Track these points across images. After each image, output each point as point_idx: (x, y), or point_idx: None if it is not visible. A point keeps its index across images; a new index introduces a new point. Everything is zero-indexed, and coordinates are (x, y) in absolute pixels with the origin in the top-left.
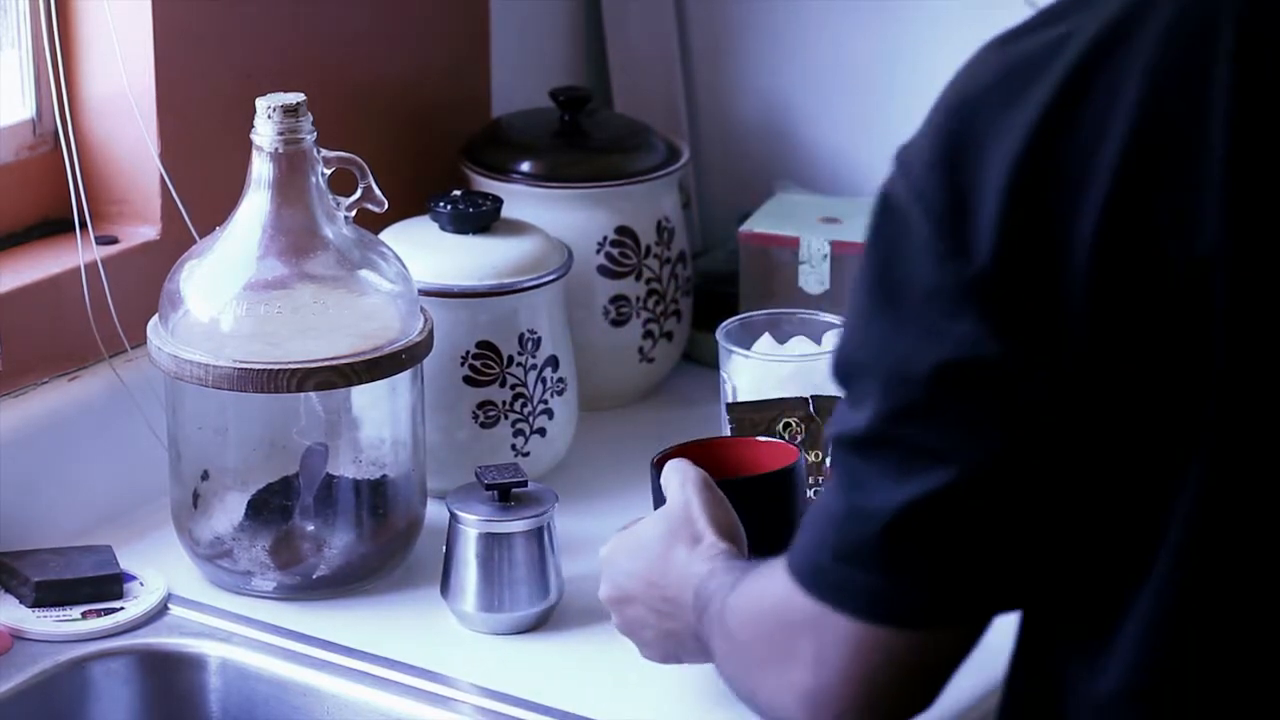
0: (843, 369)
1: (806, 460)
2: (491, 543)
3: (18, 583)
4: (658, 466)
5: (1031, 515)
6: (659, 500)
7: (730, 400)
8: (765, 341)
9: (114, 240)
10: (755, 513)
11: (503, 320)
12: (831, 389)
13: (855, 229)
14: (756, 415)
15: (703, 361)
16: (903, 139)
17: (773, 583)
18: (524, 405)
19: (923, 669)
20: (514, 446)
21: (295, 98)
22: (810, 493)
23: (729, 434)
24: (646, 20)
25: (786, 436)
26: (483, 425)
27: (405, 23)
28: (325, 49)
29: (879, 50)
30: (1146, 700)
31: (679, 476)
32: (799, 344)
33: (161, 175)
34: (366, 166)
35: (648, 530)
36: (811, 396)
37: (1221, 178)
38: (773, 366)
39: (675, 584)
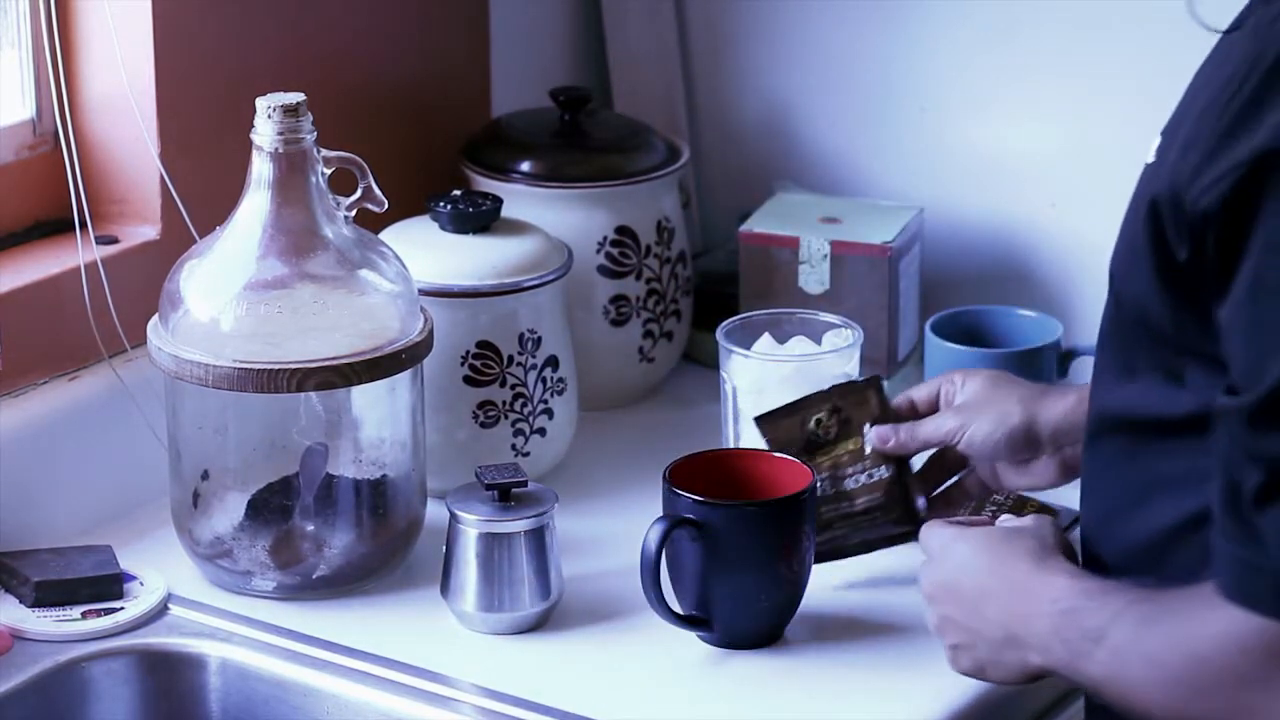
0: None
1: (847, 451)
2: (491, 543)
3: (18, 583)
4: (669, 479)
5: None
6: (668, 507)
7: (731, 402)
8: (765, 341)
9: (114, 240)
10: (770, 535)
11: (503, 320)
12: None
13: (855, 229)
14: (788, 423)
15: (703, 361)
16: (902, 139)
17: (1224, 622)
18: (524, 405)
19: None
20: (514, 446)
21: (295, 98)
22: (852, 482)
23: (766, 448)
24: (646, 20)
25: (820, 434)
26: (483, 425)
27: (405, 23)
28: (325, 49)
29: (879, 50)
30: None
31: (1034, 515)
32: (799, 344)
33: (161, 175)
34: (366, 166)
35: (991, 538)
36: (832, 388)
37: None
38: (772, 366)
39: (1008, 595)
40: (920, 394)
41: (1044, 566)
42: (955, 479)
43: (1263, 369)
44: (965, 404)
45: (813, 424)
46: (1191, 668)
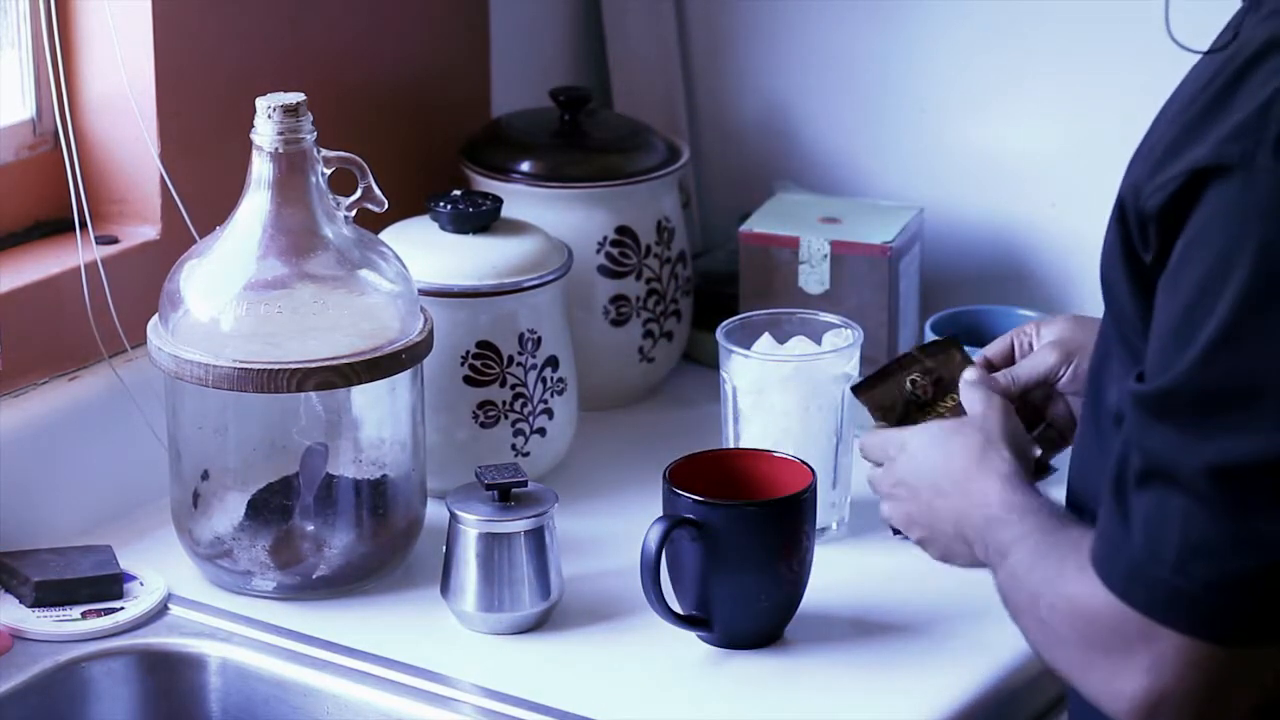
0: (1217, 387)
1: (947, 408)
2: (491, 543)
3: (18, 583)
4: (669, 479)
5: None
6: (668, 507)
7: (731, 402)
8: (765, 341)
9: (114, 240)
10: (770, 535)
11: (503, 320)
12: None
13: (855, 229)
14: (885, 387)
15: (703, 361)
16: (902, 139)
17: (1085, 584)
18: (524, 405)
19: (1264, 682)
20: (514, 446)
21: (295, 98)
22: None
23: (873, 424)
24: (646, 20)
25: (918, 394)
26: (483, 425)
27: (405, 23)
28: (325, 49)
29: (879, 50)
30: None
31: (983, 395)
32: (799, 344)
33: (161, 175)
34: (366, 166)
35: (940, 433)
36: (915, 350)
37: None
38: (772, 366)
39: (955, 492)
40: (994, 351)
41: (982, 466)
42: (1035, 433)
43: (1164, 365)
44: (1061, 340)
45: (908, 385)
46: (1049, 615)
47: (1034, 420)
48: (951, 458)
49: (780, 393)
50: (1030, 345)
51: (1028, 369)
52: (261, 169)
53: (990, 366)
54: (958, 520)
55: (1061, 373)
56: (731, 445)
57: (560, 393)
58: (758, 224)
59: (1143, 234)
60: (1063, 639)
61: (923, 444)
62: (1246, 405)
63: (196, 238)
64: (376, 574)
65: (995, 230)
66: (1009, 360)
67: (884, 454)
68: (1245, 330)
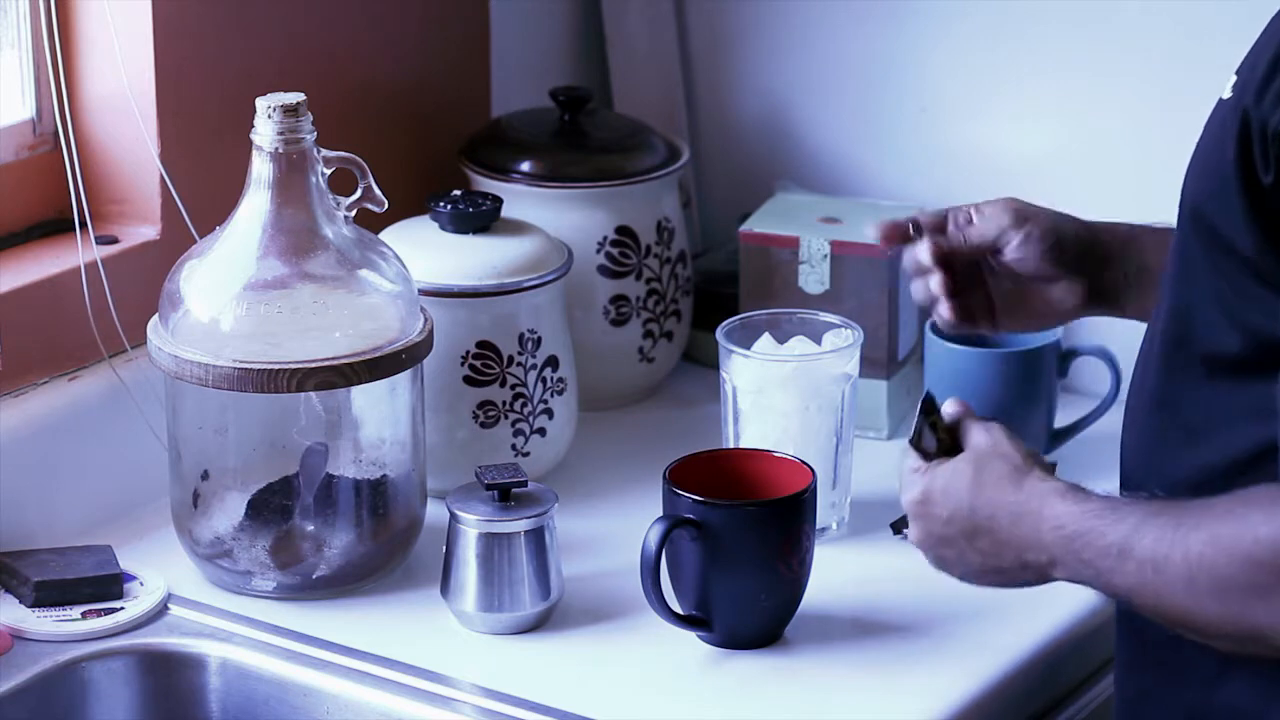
0: None
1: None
2: (491, 543)
3: (18, 583)
4: (669, 479)
5: None
6: (668, 507)
7: (731, 402)
8: (765, 341)
9: (114, 240)
10: (770, 535)
11: (503, 320)
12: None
13: (855, 229)
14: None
15: (703, 361)
16: (902, 139)
17: (1270, 525)
18: (524, 405)
19: None
20: (514, 446)
21: (295, 98)
22: None
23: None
24: (646, 20)
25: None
26: (483, 425)
27: (405, 23)
28: (325, 49)
29: (879, 50)
30: None
31: (979, 425)
32: (799, 344)
33: (161, 175)
34: (366, 166)
35: (960, 478)
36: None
37: None
38: (773, 366)
39: (1006, 525)
40: (928, 219)
41: (1026, 490)
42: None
43: None
44: (1011, 205)
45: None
46: (1243, 572)
47: (967, 287)
48: (986, 495)
49: (780, 393)
50: (969, 220)
51: (978, 230)
52: (261, 169)
53: (919, 230)
54: (1018, 553)
55: (1010, 237)
56: (731, 445)
57: (560, 393)
58: (758, 224)
59: (1267, 158)
60: (1262, 592)
61: (945, 484)
62: None
63: (196, 238)
64: (376, 574)
65: None
66: (942, 231)
67: (906, 504)
68: None
